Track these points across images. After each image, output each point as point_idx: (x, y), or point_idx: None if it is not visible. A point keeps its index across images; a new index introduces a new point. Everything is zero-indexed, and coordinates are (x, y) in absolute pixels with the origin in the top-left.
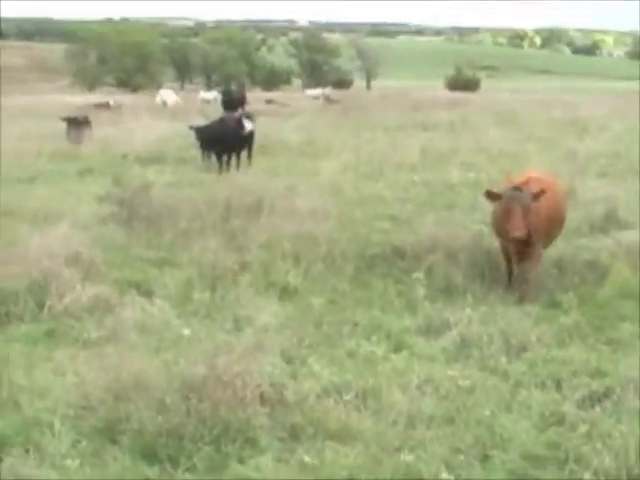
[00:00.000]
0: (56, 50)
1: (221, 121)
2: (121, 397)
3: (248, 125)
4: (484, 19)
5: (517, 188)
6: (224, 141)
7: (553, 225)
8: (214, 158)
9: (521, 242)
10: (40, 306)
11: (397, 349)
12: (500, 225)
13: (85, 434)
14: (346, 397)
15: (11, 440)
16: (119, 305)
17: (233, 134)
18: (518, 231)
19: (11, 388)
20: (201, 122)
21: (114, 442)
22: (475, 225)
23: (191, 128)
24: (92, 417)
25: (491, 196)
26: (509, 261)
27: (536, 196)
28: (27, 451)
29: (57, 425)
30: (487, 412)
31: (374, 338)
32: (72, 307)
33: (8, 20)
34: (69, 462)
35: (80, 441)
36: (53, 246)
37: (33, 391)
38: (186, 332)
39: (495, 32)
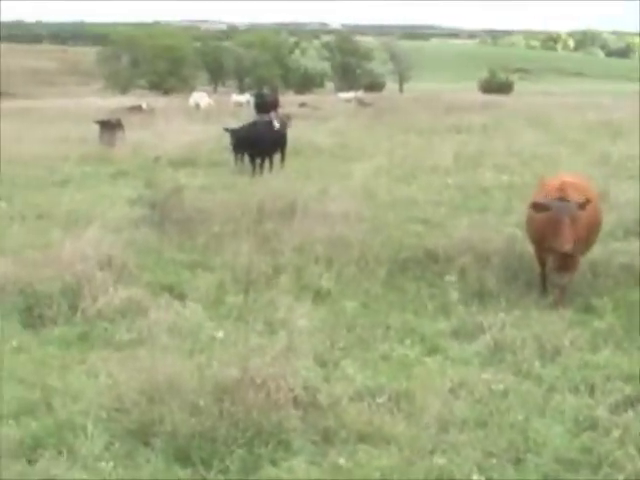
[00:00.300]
0: (89, 53)
1: (254, 124)
2: (154, 399)
3: (277, 124)
4: (517, 22)
5: (563, 198)
6: (257, 144)
7: (592, 232)
8: (247, 161)
9: (563, 253)
10: (73, 309)
11: (430, 352)
12: (543, 236)
13: (118, 436)
14: (379, 400)
15: (44, 442)
16: (152, 308)
17: (265, 137)
18: (568, 245)
19: (45, 390)
20: (234, 125)
21: (147, 444)
22: (508, 228)
23: (225, 130)
24: (125, 419)
25: (538, 207)
26: (544, 266)
27: (582, 206)
28: (60, 453)
29: (90, 427)
30: (520, 416)
31: (407, 341)
32: (105, 310)
33: (42, 24)
34: (102, 464)
35: (113, 443)
36: (86, 249)
37: (66, 393)
38: (219, 335)
39: (528, 35)
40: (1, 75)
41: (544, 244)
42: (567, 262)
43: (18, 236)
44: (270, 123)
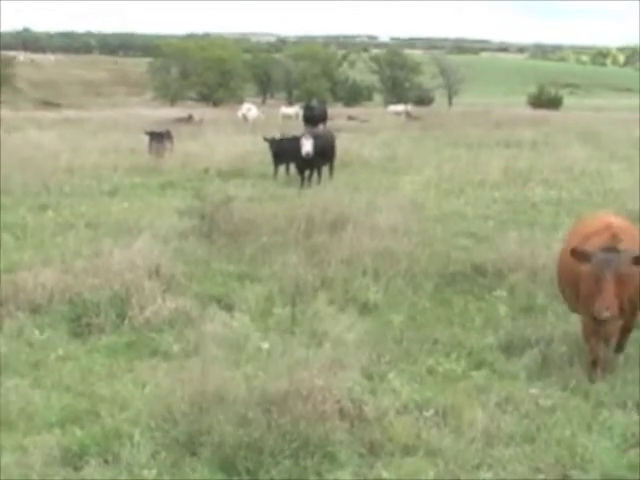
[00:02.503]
0: (139, 64)
1: (295, 138)
2: (202, 410)
3: (307, 145)
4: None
5: (612, 248)
6: (296, 156)
7: None
8: (293, 172)
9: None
10: (121, 318)
11: (477, 367)
12: (577, 292)
13: (165, 445)
14: (426, 414)
15: (90, 450)
16: (200, 318)
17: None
18: (608, 311)
19: (91, 399)
20: (277, 135)
21: (193, 454)
22: (557, 243)
23: (265, 140)
24: (172, 429)
25: (578, 256)
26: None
27: (638, 260)
28: (106, 461)
29: (137, 436)
30: (567, 432)
31: (454, 355)
32: (153, 319)
33: (92, 35)
34: (147, 473)
35: (159, 452)
36: (135, 259)
37: (113, 402)
38: (266, 346)
39: (578, 49)
40: (52, 85)
41: (576, 302)
42: (608, 329)
43: (66, 245)
44: (296, 139)
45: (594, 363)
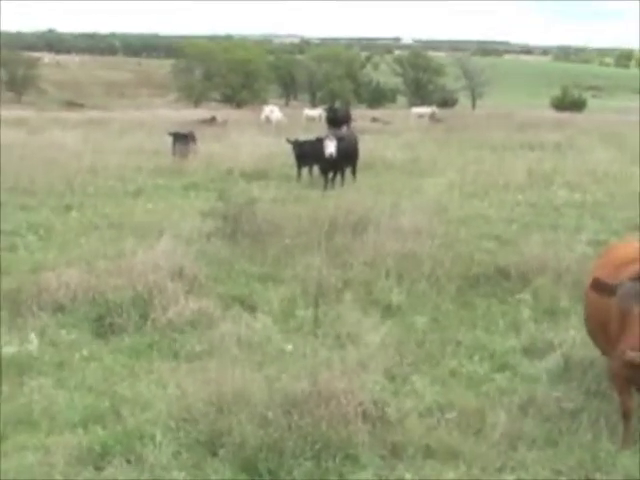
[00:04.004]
0: (163, 65)
1: (318, 140)
2: (223, 411)
3: (330, 147)
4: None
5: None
6: (319, 158)
7: None
8: (316, 174)
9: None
10: (144, 318)
11: (500, 369)
12: (602, 330)
13: (186, 446)
14: (448, 416)
15: (113, 450)
16: (222, 319)
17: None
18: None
19: (114, 399)
20: (301, 137)
21: (215, 455)
22: (580, 246)
23: (288, 141)
24: (194, 429)
25: (601, 289)
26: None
27: None
28: (128, 461)
29: (159, 436)
30: (590, 435)
31: (477, 358)
32: (175, 320)
33: (116, 36)
34: (169, 473)
35: (181, 453)
36: (158, 259)
37: (135, 402)
38: (288, 348)
39: (602, 52)
40: (76, 86)
41: (601, 342)
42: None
43: (90, 245)
44: (320, 141)
45: (626, 416)
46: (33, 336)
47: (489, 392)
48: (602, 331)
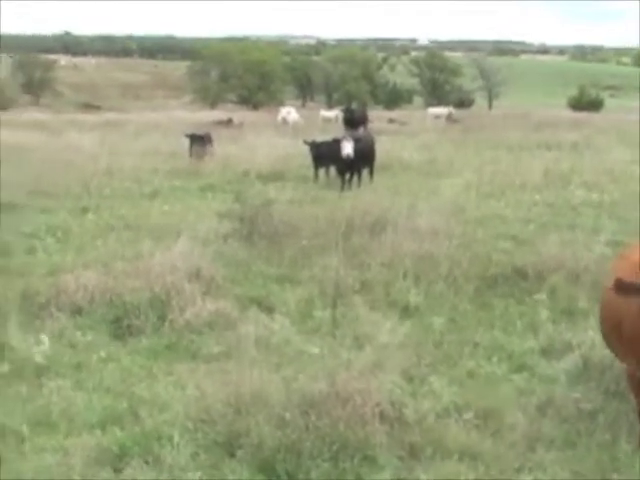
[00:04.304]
0: (179, 67)
1: (335, 141)
2: (241, 411)
3: (347, 148)
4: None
5: None
6: (336, 159)
7: None
8: (333, 175)
9: None
10: (161, 320)
11: (518, 370)
12: (623, 334)
13: (204, 447)
14: (466, 417)
15: (131, 451)
16: (240, 320)
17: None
18: None
19: (132, 400)
20: (318, 138)
21: (232, 456)
22: (598, 246)
23: (305, 143)
24: (212, 430)
25: (624, 289)
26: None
27: None
28: (146, 462)
29: (177, 437)
30: (608, 436)
31: (495, 359)
32: (193, 321)
33: (132, 38)
34: (187, 474)
35: (199, 454)
36: (175, 261)
37: (153, 403)
38: (306, 349)
39: (619, 51)
40: (92, 89)
41: (616, 344)
42: None
43: (107, 247)
44: (337, 142)
45: None
46: (44, 337)
47: (507, 393)
48: (617, 333)
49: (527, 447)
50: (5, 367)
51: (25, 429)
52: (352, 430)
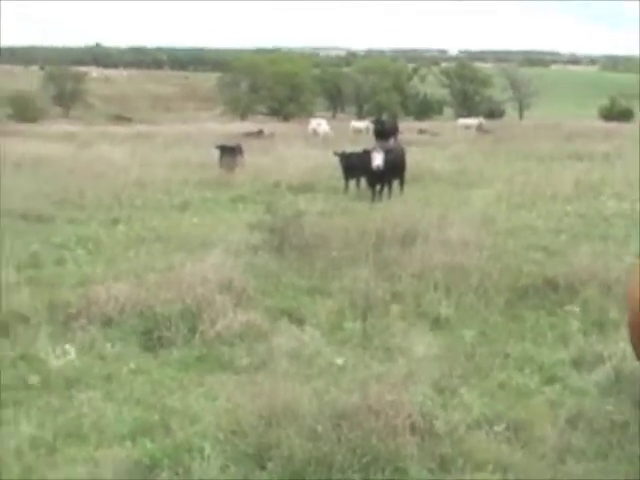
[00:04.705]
0: (209, 79)
1: (366, 152)
2: (272, 423)
3: (377, 159)
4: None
5: None
6: (366, 171)
7: None
8: (363, 186)
9: None
10: (192, 331)
11: (549, 382)
12: None
13: (234, 459)
14: (497, 429)
15: (161, 463)
16: (270, 332)
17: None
18: None
19: (162, 412)
20: (348, 150)
21: (263, 468)
22: (630, 257)
23: (335, 154)
24: (242, 442)
25: None
26: None
27: None
28: (176, 474)
29: (207, 449)
30: (639, 449)
31: (526, 370)
32: (224, 333)
33: (162, 50)
34: None
35: (229, 466)
36: (206, 273)
37: (184, 415)
38: (337, 361)
39: None
40: (123, 101)
41: None
42: None
43: (138, 259)
44: (367, 153)
45: None
46: (72, 348)
47: (538, 405)
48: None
49: (558, 459)
50: (35, 378)
51: (56, 440)
52: (383, 442)
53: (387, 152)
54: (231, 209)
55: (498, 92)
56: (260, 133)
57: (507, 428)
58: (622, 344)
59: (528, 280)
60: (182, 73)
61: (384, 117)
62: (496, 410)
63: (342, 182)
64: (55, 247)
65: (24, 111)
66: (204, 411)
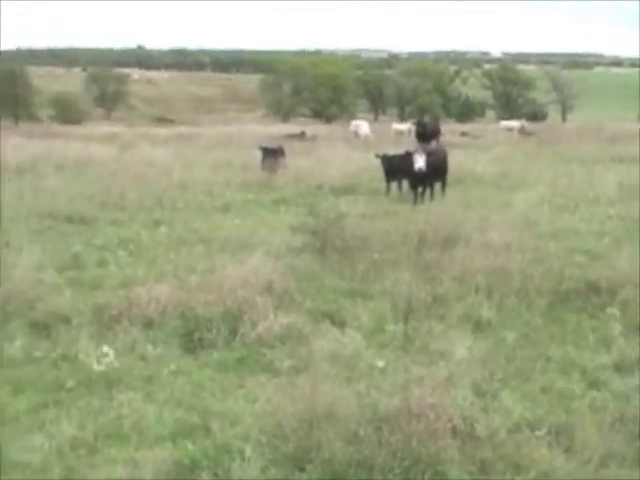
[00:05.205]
0: (251, 81)
1: (407, 154)
2: (312, 426)
3: (419, 162)
4: None
5: None
6: (408, 173)
7: None
8: (405, 189)
9: None
10: (233, 333)
11: (591, 386)
12: None
13: (275, 461)
14: (538, 433)
15: (202, 464)
16: (311, 335)
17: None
18: None
19: (203, 414)
20: (390, 152)
21: (303, 470)
22: None
23: (377, 156)
24: (283, 445)
25: None
26: None
27: None
28: (216, 475)
29: (247, 451)
30: None
31: (568, 374)
32: (265, 335)
33: (205, 52)
34: None
35: (269, 468)
36: (247, 275)
37: (225, 417)
38: (378, 363)
39: None
40: (165, 102)
41: None
42: None
43: (179, 260)
44: (409, 155)
45: None
46: (114, 349)
47: (580, 409)
48: None
49: (600, 464)
50: (76, 379)
51: (96, 441)
52: (424, 445)
53: (429, 154)
54: (273, 211)
55: (541, 94)
56: (302, 135)
57: (548, 432)
58: None
59: (570, 283)
60: (224, 75)
61: (426, 119)
62: (537, 414)
63: (384, 184)
64: (97, 248)
65: (67, 112)
66: (244, 413)
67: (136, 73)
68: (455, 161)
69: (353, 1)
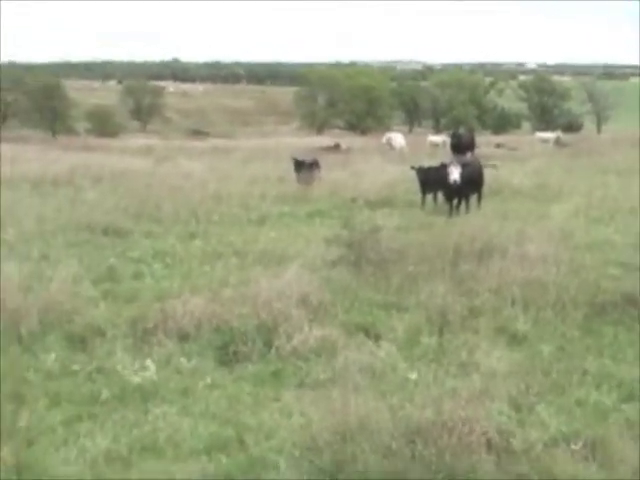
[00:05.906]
0: (286, 93)
1: (443, 166)
2: (347, 439)
3: (454, 174)
4: None
5: None
6: (443, 185)
7: None
8: (440, 201)
9: None
10: (268, 346)
11: (628, 399)
12: None
13: (309, 474)
14: (574, 447)
15: (236, 478)
16: (346, 347)
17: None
18: None
19: (238, 427)
20: (425, 164)
21: None
22: None
23: (412, 168)
24: (317, 458)
25: None
26: None
27: None
28: None
29: (282, 465)
30: None
31: (604, 387)
32: (300, 348)
33: (240, 64)
34: None
35: None
36: (282, 287)
37: (259, 431)
38: (413, 376)
39: None
40: (200, 115)
41: None
42: None
43: (214, 273)
44: (444, 167)
45: None
46: (150, 362)
47: (617, 423)
48: None
49: (635, 477)
50: (111, 392)
51: (131, 454)
52: (458, 459)
53: (464, 166)
54: (308, 224)
55: (576, 105)
56: (337, 147)
57: (585, 446)
58: None
59: (606, 295)
60: (259, 87)
61: (461, 131)
62: (574, 428)
63: (419, 196)
64: (132, 261)
65: (103, 125)
66: (279, 427)
67: (171, 86)
68: (491, 173)
69: (386, 16)
